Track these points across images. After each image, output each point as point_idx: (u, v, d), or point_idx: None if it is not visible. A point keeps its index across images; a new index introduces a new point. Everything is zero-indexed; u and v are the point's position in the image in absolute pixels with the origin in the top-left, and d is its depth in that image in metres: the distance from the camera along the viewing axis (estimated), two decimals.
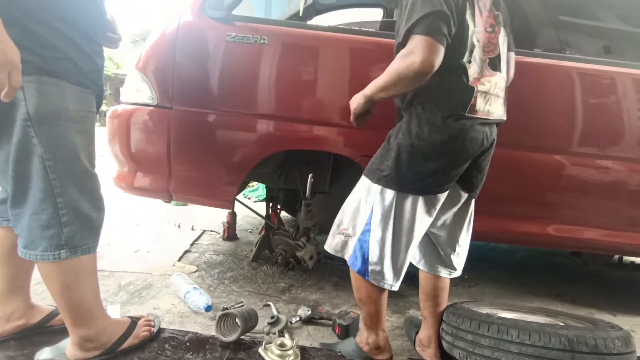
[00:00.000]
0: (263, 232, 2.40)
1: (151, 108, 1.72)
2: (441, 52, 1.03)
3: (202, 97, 1.72)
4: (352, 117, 1.28)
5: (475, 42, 1.14)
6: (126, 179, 1.84)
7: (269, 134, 1.75)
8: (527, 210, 1.86)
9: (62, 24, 1.00)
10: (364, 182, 1.26)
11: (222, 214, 3.40)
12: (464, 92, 1.13)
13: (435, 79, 1.06)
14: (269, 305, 1.79)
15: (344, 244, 1.29)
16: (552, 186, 1.82)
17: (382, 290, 1.30)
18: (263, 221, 3.26)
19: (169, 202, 1.89)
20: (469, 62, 1.13)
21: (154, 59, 1.73)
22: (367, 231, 1.22)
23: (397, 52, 1.11)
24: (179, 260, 2.25)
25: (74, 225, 1.07)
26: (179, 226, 2.90)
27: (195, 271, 2.12)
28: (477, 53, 1.15)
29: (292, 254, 2.09)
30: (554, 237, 1.85)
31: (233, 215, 2.72)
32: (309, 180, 1.84)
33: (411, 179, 1.18)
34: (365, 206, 1.24)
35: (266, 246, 2.35)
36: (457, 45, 1.11)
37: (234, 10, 1.69)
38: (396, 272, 1.26)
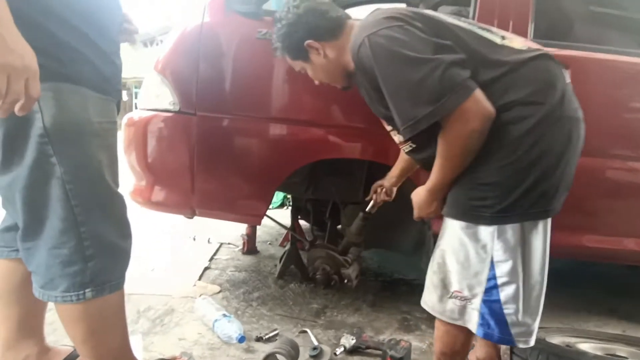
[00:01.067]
0: (288, 246, 2.21)
1: (172, 114, 1.54)
2: (481, 95, 0.89)
3: (229, 102, 1.54)
4: (416, 215, 1.13)
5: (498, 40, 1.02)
6: (143, 193, 1.66)
7: (304, 142, 1.57)
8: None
9: (81, 21, 0.82)
10: (461, 229, 0.98)
11: (239, 225, 3.23)
12: None
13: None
14: (305, 332, 1.61)
15: (462, 310, 1.00)
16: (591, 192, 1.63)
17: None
18: (282, 231, 3.10)
19: (191, 218, 1.70)
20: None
21: (174, 60, 1.55)
22: (492, 288, 0.96)
23: (407, 139, 1.00)
24: (200, 279, 2.07)
25: (100, 258, 0.89)
26: (194, 239, 2.72)
27: (219, 292, 1.93)
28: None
29: (336, 271, 1.90)
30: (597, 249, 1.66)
31: (253, 227, 2.53)
32: (376, 194, 1.66)
33: (534, 198, 0.94)
34: (478, 258, 0.97)
35: (293, 261, 2.17)
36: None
37: (264, 4, 1.52)
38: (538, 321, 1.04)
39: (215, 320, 1.53)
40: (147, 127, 1.57)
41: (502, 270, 0.95)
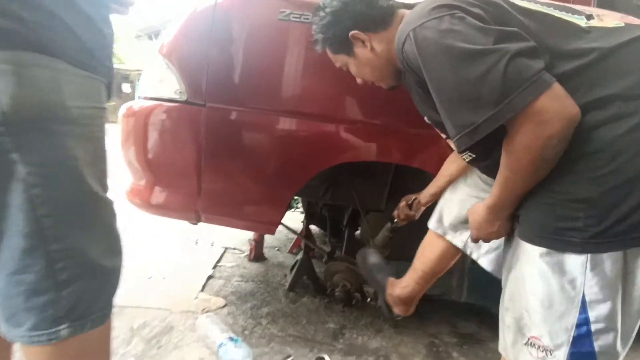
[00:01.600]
0: (299, 254, 2.00)
1: (178, 105, 1.33)
2: (561, 90, 0.68)
3: (245, 92, 1.33)
4: (474, 237, 0.92)
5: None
6: (142, 194, 1.46)
7: (332, 141, 1.36)
8: None
9: None
10: (541, 257, 0.76)
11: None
12: None
13: None
14: (323, 359, 1.40)
15: None
16: None
17: None
18: (291, 236, 2.89)
19: (195, 223, 1.50)
20: None
21: (183, 43, 1.34)
22: (584, 337, 0.74)
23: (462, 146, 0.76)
24: (202, 289, 1.86)
25: (79, 284, 0.67)
26: (197, 242, 2.51)
27: (224, 306, 1.73)
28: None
29: (357, 287, 1.69)
30: None
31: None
32: (398, 210, 1.44)
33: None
34: (564, 296, 0.75)
35: (305, 272, 1.96)
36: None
37: None
38: None
39: (221, 345, 1.33)
40: (148, 118, 1.36)
41: (598, 313, 0.72)
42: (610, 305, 0.71)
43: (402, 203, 1.40)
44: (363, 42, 0.99)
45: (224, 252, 2.42)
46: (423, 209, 1.36)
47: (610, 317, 0.72)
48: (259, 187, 1.40)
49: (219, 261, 2.26)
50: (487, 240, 0.92)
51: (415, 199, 1.36)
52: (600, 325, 0.72)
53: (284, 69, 1.32)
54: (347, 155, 1.38)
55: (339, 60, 1.08)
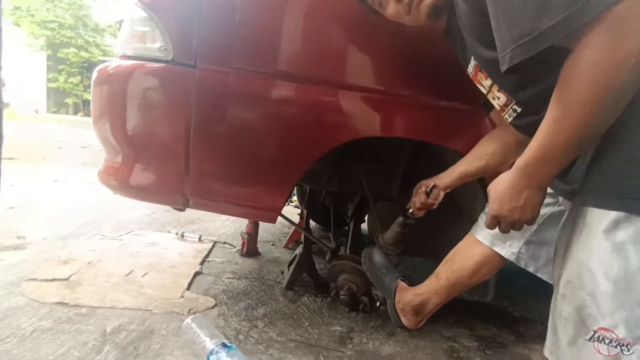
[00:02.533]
0: (298, 249, 1.79)
1: (163, 65, 1.11)
2: None
3: (246, 52, 1.12)
4: (492, 214, 0.72)
5: None
6: (119, 174, 1.23)
7: (347, 113, 1.16)
8: None
9: None
10: (613, 226, 0.60)
11: (235, 220, 2.80)
12: None
13: None
14: None
15: None
16: None
17: None
18: (286, 230, 2.68)
19: (182, 210, 1.28)
20: None
21: None
22: None
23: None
24: (189, 288, 1.63)
25: None
26: (182, 235, 2.27)
27: (214, 306, 1.51)
28: None
29: (365, 291, 1.48)
30: None
31: (255, 224, 2.11)
32: (417, 197, 1.18)
33: None
34: None
35: (305, 269, 1.76)
36: None
37: None
38: None
39: (211, 352, 1.11)
40: (127, 81, 1.14)
41: None
42: None
43: (419, 190, 1.17)
44: None
45: (213, 246, 2.19)
46: (442, 195, 1.14)
47: None
48: (259, 167, 1.19)
49: (207, 256, 2.03)
50: (507, 224, 0.71)
51: (433, 185, 1.13)
52: None
53: (293, 24, 1.11)
54: (365, 129, 1.18)
55: None
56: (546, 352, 0.72)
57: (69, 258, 1.77)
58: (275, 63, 1.12)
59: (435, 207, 1.15)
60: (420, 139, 1.22)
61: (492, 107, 0.96)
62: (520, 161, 0.66)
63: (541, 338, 1.59)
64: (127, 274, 1.67)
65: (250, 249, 2.10)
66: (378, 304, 1.43)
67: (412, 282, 1.22)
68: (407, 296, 1.16)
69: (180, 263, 1.87)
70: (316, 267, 1.79)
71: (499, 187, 0.71)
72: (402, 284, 1.22)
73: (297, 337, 1.36)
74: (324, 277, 1.82)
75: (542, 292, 2.10)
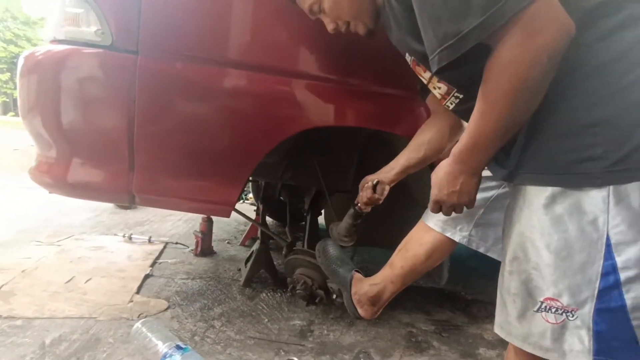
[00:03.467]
0: (256, 246, 1.75)
1: (99, 51, 1.03)
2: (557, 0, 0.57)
3: (193, 37, 1.06)
4: (433, 198, 0.77)
5: None
6: (54, 170, 1.13)
7: (298, 102, 1.14)
8: None
9: None
10: (553, 199, 0.63)
11: (188, 220, 2.69)
12: None
13: None
14: None
15: (559, 332, 0.64)
16: None
17: None
18: (242, 228, 2.62)
19: (127, 208, 1.20)
20: None
21: None
22: (612, 289, 0.60)
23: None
24: (138, 291, 1.54)
25: None
26: (130, 237, 2.14)
27: (167, 309, 1.43)
28: None
29: (321, 284, 1.47)
30: None
31: (209, 222, 2.03)
32: (362, 192, 1.17)
33: None
34: (585, 240, 0.61)
35: (263, 264, 1.72)
36: None
37: None
38: None
39: (165, 357, 1.05)
40: (59, 68, 1.04)
41: (627, 257, 0.59)
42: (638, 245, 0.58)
43: (364, 186, 1.17)
44: None
45: (165, 247, 2.09)
46: (388, 189, 1.14)
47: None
48: (210, 159, 1.14)
49: (158, 258, 1.93)
50: (448, 208, 0.77)
51: (378, 180, 1.12)
52: (631, 273, 0.59)
53: (243, 8, 1.07)
54: (318, 119, 1.16)
55: None
56: (497, 329, 0.74)
57: (0, 268, 1.61)
58: (225, 50, 1.08)
59: (381, 202, 1.16)
60: (371, 127, 1.23)
61: (428, 93, 0.99)
62: (455, 149, 0.71)
63: (492, 318, 1.66)
64: (68, 281, 1.55)
65: (204, 248, 2.02)
66: (334, 296, 1.43)
67: (369, 272, 1.23)
68: (363, 287, 1.16)
69: (128, 266, 1.76)
70: (274, 262, 1.76)
71: (439, 173, 0.75)
72: (358, 275, 1.22)
73: (256, 334, 1.33)
74: (282, 273, 1.79)
75: (491, 274, 2.22)
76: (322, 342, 1.34)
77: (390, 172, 1.12)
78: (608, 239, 0.59)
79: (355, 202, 1.20)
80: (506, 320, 0.71)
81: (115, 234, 2.22)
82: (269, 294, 1.64)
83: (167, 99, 1.07)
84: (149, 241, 2.11)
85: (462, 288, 1.98)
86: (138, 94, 1.05)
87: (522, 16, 0.55)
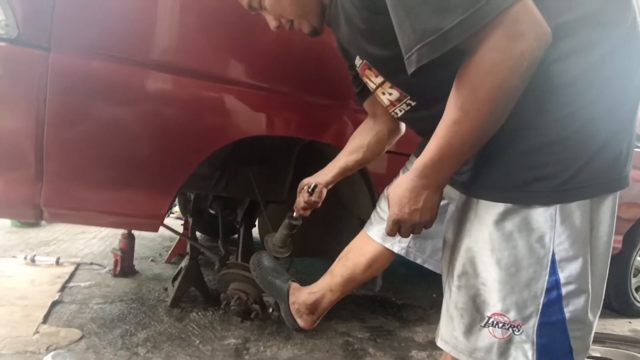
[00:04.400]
0: (185, 262, 1.64)
1: (2, 44, 0.90)
2: (533, 4, 0.55)
3: (115, 35, 0.97)
4: (392, 218, 0.70)
5: None
6: None
7: (231, 110, 1.10)
8: None
9: None
10: (502, 216, 0.64)
11: (104, 238, 2.44)
12: None
13: None
14: None
15: (505, 347, 0.66)
16: None
17: None
18: (167, 244, 2.44)
19: (35, 225, 1.05)
20: None
21: None
22: (554, 303, 0.63)
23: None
24: (45, 321, 1.34)
25: None
26: (33, 259, 1.88)
27: (80, 338, 1.27)
28: None
29: (256, 298, 1.41)
30: None
31: (130, 239, 1.86)
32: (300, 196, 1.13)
33: (609, 161, 0.62)
34: (532, 257, 0.63)
35: (192, 282, 1.62)
36: None
37: None
38: None
39: None
40: None
41: (569, 273, 0.63)
42: (582, 262, 0.63)
43: (301, 190, 1.14)
44: None
45: (76, 269, 1.86)
46: (325, 192, 1.12)
47: (581, 277, 0.63)
48: (136, 168, 1.05)
49: (68, 281, 1.71)
50: (408, 228, 0.71)
51: (315, 184, 1.10)
52: (571, 288, 0.63)
53: (172, 6, 1.01)
54: (251, 128, 1.14)
55: None
56: (440, 343, 0.74)
57: None
58: (150, 51, 1.00)
59: (319, 205, 1.14)
60: (302, 136, 1.24)
61: (365, 97, 1.00)
62: (418, 163, 0.65)
63: (421, 321, 1.76)
64: None
65: (125, 267, 1.84)
66: (270, 310, 1.38)
67: (305, 284, 1.21)
68: (302, 296, 1.14)
69: (32, 293, 1.54)
70: (205, 279, 1.67)
71: (398, 191, 0.70)
72: (295, 285, 1.20)
73: (187, 358, 1.23)
74: (214, 289, 1.70)
75: (417, 280, 2.34)
76: (259, 359, 1.28)
77: (327, 174, 1.10)
78: (553, 255, 0.62)
79: (293, 207, 1.18)
80: (452, 335, 0.71)
81: (14, 256, 1.93)
82: (199, 313, 1.54)
83: (85, 100, 0.97)
84: (57, 263, 1.87)
85: (392, 294, 2.06)
86: (50, 93, 0.93)
87: (504, 17, 0.52)
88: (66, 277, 1.73)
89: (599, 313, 0.68)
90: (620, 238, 1.96)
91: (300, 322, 1.15)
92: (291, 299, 1.15)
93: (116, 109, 1.01)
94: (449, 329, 0.72)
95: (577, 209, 0.62)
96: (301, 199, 1.12)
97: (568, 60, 0.60)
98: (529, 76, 0.55)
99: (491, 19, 0.51)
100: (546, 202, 0.61)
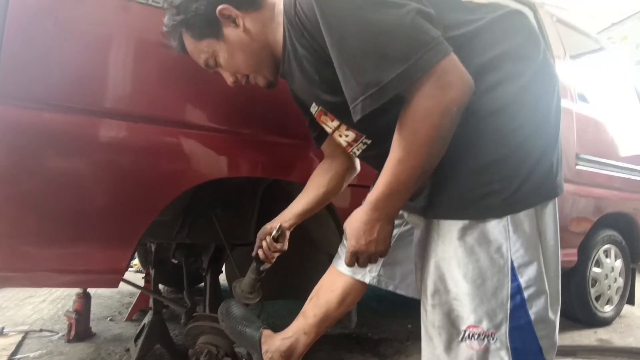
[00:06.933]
0: (148, 318, 1.54)
1: None
2: (457, 59, 0.65)
3: (66, 85, 0.95)
4: (350, 250, 0.76)
5: None
6: None
7: (191, 154, 1.09)
8: None
9: None
10: (463, 232, 0.70)
11: (55, 300, 2.24)
12: None
13: None
14: None
15: (484, 355, 0.69)
16: None
17: None
18: (126, 301, 2.28)
19: None
20: None
21: None
22: (519, 308, 0.68)
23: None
24: None
25: None
26: None
27: None
28: None
29: (227, 351, 1.32)
30: None
31: (85, 299, 1.72)
32: (261, 249, 1.12)
33: (545, 171, 0.71)
34: (494, 267, 0.69)
35: (157, 338, 1.51)
36: None
37: None
38: None
39: None
40: None
41: (528, 276, 0.69)
42: (537, 265, 0.70)
43: (266, 239, 1.11)
44: (234, 19, 0.82)
45: (24, 338, 1.69)
46: (288, 233, 1.11)
47: (538, 279, 0.69)
48: (90, 221, 0.99)
49: (14, 353, 1.54)
50: (365, 259, 0.76)
51: (278, 227, 1.08)
52: (531, 290, 0.69)
53: (123, 52, 1.01)
54: (212, 171, 1.12)
55: (205, 48, 0.86)
56: None
57: None
58: (103, 98, 0.98)
59: (286, 249, 1.12)
60: (266, 176, 1.24)
61: (322, 140, 1.04)
62: (370, 197, 0.72)
63: (399, 354, 1.73)
64: None
65: (80, 331, 1.69)
66: None
67: (277, 328, 1.16)
68: (275, 343, 1.10)
69: None
70: (170, 334, 1.56)
71: (354, 224, 0.75)
72: (267, 332, 1.15)
73: None
74: (181, 344, 1.60)
75: (390, 312, 2.32)
76: None
77: (289, 216, 1.10)
78: (512, 262, 0.68)
79: (254, 254, 1.15)
80: (434, 354, 0.74)
81: None
82: None
83: (34, 153, 0.92)
84: (1, 333, 1.68)
85: (368, 329, 2.02)
86: None
87: (435, 70, 0.61)
88: (12, 348, 1.56)
89: (558, 311, 0.75)
90: (575, 251, 2.06)
91: None
92: (264, 348, 1.10)
93: (68, 161, 0.97)
94: (429, 349, 0.74)
95: (525, 218, 0.69)
96: (267, 247, 1.10)
97: (497, 89, 0.70)
98: (458, 118, 0.64)
99: (424, 72, 0.60)
100: (498, 214, 0.68)
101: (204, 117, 1.10)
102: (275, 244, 1.08)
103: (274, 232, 1.07)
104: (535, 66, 0.73)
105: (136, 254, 2.41)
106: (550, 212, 0.73)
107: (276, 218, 1.11)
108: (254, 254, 1.14)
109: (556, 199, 0.74)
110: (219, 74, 0.92)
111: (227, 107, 1.13)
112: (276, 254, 1.13)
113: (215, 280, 1.67)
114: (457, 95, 0.63)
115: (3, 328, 1.71)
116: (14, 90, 0.89)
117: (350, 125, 0.84)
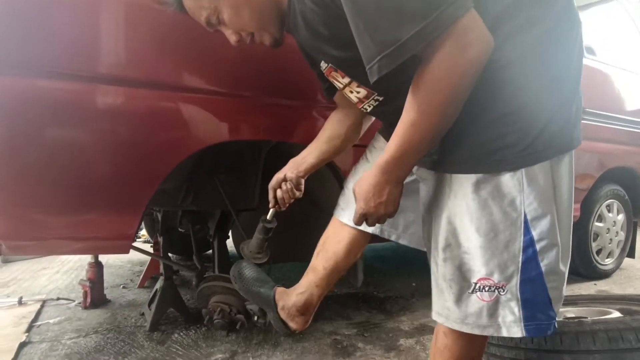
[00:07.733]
0: (159, 283, 1.58)
1: None
2: (478, 16, 0.61)
3: (60, 51, 0.93)
4: (359, 212, 0.76)
5: None
6: None
7: (192, 119, 1.08)
8: None
9: None
10: (477, 186, 0.69)
11: (68, 271, 2.31)
12: None
13: None
14: None
15: (493, 307, 0.70)
16: None
17: None
18: (137, 269, 2.34)
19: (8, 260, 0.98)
20: None
21: None
22: (531, 260, 0.68)
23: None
24: None
25: None
26: None
27: None
28: None
29: (239, 308, 1.37)
30: None
31: (98, 268, 1.77)
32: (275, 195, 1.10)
33: (562, 122, 0.69)
34: (506, 221, 0.69)
35: (169, 302, 1.56)
36: None
37: None
38: None
39: None
40: None
41: (541, 229, 0.68)
42: (550, 219, 0.69)
43: (286, 184, 1.08)
44: None
45: (42, 306, 1.75)
46: (303, 180, 1.09)
47: (551, 232, 0.69)
48: (97, 188, 1.00)
49: (35, 320, 1.61)
50: (374, 219, 0.77)
51: (283, 179, 1.07)
52: (544, 243, 0.69)
53: (116, 16, 0.98)
54: (214, 136, 1.12)
55: (206, 4, 0.81)
56: (434, 316, 0.77)
57: None
58: (98, 64, 0.96)
59: (300, 195, 1.10)
60: (268, 138, 1.23)
61: (334, 92, 1.00)
62: (381, 160, 0.71)
63: (405, 310, 1.78)
64: None
65: (95, 298, 1.75)
66: (256, 318, 1.36)
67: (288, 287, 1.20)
68: (290, 299, 1.13)
69: None
70: (182, 298, 1.61)
71: (364, 186, 0.74)
72: (280, 289, 1.18)
73: None
74: (194, 308, 1.65)
75: (394, 272, 2.38)
76: None
77: (302, 164, 1.07)
78: (525, 216, 0.68)
79: (271, 205, 1.15)
80: (444, 306, 0.75)
81: None
82: (182, 334, 1.49)
83: (34, 123, 0.92)
84: (20, 303, 1.75)
85: (374, 288, 2.08)
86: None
87: (455, 28, 0.56)
88: (32, 316, 1.63)
89: (568, 263, 0.75)
90: (578, 206, 2.08)
91: (293, 325, 1.13)
92: (280, 304, 1.14)
93: (69, 129, 0.97)
94: (440, 302, 0.76)
95: (540, 171, 0.68)
96: (286, 191, 1.07)
97: (515, 38, 0.66)
98: (476, 78, 0.61)
99: (444, 29, 0.56)
100: (512, 167, 0.67)
101: (204, 80, 1.09)
102: (295, 190, 1.08)
103: (293, 181, 1.05)
104: (555, 11, 0.68)
105: (143, 224, 2.46)
106: (566, 165, 0.72)
107: (287, 166, 1.08)
108: (271, 205, 1.13)
109: (573, 152, 0.72)
110: (219, 33, 0.88)
111: (227, 69, 1.11)
112: (292, 201, 1.11)
113: (223, 245, 1.70)
114: (476, 55, 0.59)
115: (21, 298, 1.77)
116: (7, 60, 0.87)
117: (362, 83, 0.82)
